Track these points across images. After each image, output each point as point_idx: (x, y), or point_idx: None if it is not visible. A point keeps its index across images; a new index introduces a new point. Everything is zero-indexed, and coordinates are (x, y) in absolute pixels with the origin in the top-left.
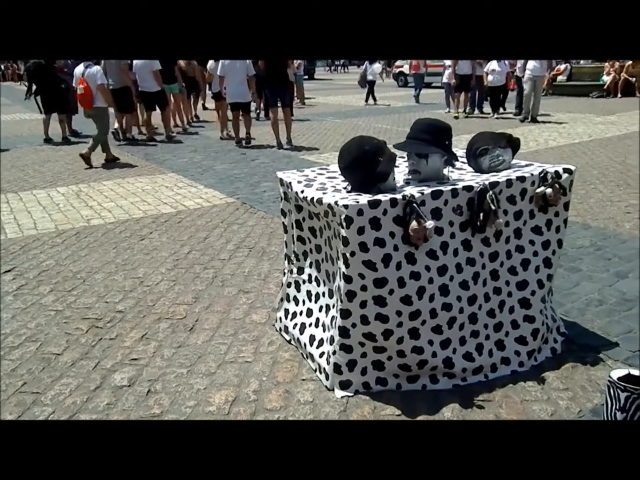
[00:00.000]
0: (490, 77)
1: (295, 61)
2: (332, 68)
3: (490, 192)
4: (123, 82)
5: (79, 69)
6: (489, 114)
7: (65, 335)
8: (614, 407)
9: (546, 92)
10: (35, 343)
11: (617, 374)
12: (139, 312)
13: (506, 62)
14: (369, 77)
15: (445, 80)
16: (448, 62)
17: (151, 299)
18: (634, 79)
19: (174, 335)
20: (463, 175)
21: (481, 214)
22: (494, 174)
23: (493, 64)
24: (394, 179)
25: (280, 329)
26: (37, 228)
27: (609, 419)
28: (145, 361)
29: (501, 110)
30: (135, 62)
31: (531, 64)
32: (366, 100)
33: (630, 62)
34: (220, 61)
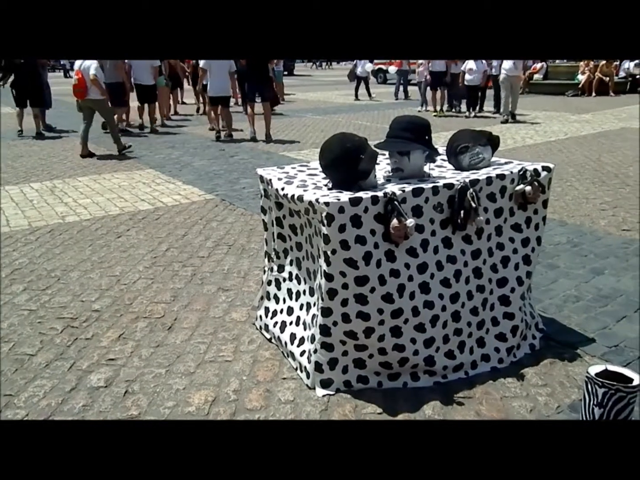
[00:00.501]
0: (467, 76)
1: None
2: (317, 64)
3: (471, 190)
4: (117, 77)
5: (78, 61)
6: (466, 112)
7: (40, 336)
8: (591, 402)
9: (523, 90)
10: (8, 344)
11: (594, 369)
12: (115, 311)
13: (483, 61)
14: (359, 73)
15: (418, 77)
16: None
17: (128, 298)
18: (607, 78)
19: (152, 334)
20: (443, 172)
21: (462, 212)
22: (474, 171)
23: (470, 63)
24: (375, 176)
25: (260, 328)
26: (10, 225)
27: (587, 414)
28: (123, 361)
29: (479, 109)
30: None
31: (507, 64)
32: (355, 96)
33: (604, 61)
34: None
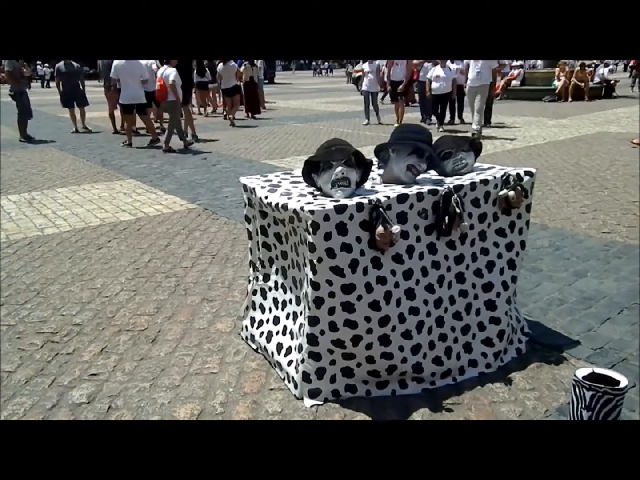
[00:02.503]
0: (434, 85)
1: (258, 63)
2: (317, 71)
3: (455, 196)
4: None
5: (160, 70)
6: (435, 124)
7: (19, 352)
8: (579, 405)
9: (501, 96)
10: None
11: (581, 372)
12: (97, 324)
13: (452, 67)
14: (366, 87)
15: (364, 87)
16: (367, 68)
17: (110, 311)
18: (582, 84)
19: (135, 347)
20: (427, 178)
21: (446, 217)
22: (458, 177)
23: (437, 70)
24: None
25: (246, 338)
26: None
27: (575, 417)
28: (105, 376)
29: (450, 120)
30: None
31: (471, 74)
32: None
33: (578, 67)
34: (114, 64)
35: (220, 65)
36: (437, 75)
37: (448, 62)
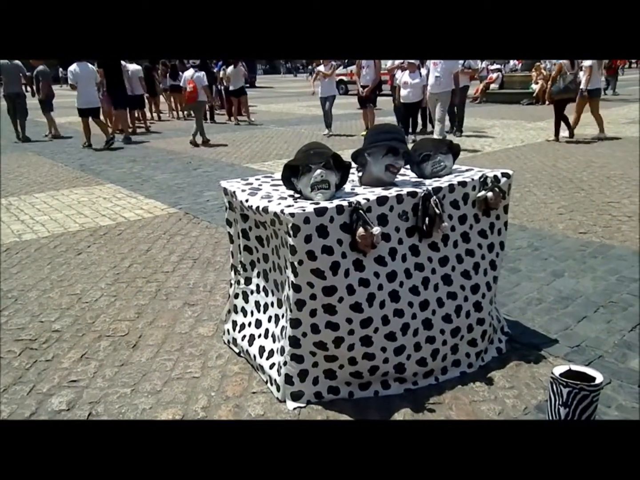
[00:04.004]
0: (403, 92)
1: (240, 66)
2: (295, 74)
3: (434, 197)
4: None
5: (189, 73)
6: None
7: None
8: (557, 402)
9: (480, 99)
10: None
11: (558, 370)
12: (77, 330)
13: (422, 73)
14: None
15: (321, 95)
16: (321, 67)
17: (90, 316)
18: None
19: (116, 353)
20: (406, 181)
21: (426, 219)
22: (437, 179)
23: (405, 76)
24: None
25: (228, 342)
26: None
27: (553, 414)
28: (85, 382)
29: (421, 129)
30: (131, 70)
31: (431, 79)
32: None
33: (555, 71)
34: (69, 70)
35: (231, 68)
36: (405, 81)
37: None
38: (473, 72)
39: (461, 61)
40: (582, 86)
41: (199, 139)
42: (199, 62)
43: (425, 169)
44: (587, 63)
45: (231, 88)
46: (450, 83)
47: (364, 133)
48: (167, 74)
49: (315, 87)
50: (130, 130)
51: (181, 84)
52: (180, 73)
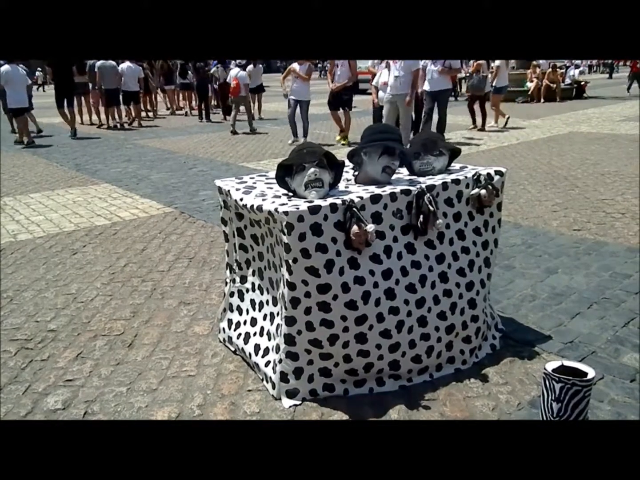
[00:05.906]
0: (380, 93)
1: (260, 65)
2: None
3: (428, 195)
4: (115, 84)
5: (234, 71)
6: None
7: None
8: (549, 398)
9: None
10: None
11: (551, 365)
12: (72, 330)
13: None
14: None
15: (292, 97)
16: (296, 65)
17: (86, 316)
18: (554, 85)
19: (112, 352)
20: (400, 179)
21: (421, 216)
22: (430, 177)
23: (384, 76)
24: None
25: (224, 340)
26: None
27: (546, 409)
28: (81, 382)
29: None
30: (123, 67)
31: (390, 79)
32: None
33: (550, 69)
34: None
35: (250, 66)
36: (383, 82)
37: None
38: (455, 71)
39: (422, 61)
40: (492, 83)
41: (240, 128)
42: (245, 62)
43: (414, 165)
44: (496, 63)
45: (251, 86)
46: (408, 86)
47: (339, 138)
48: (163, 75)
49: (285, 89)
50: (119, 123)
51: (227, 80)
52: (190, 72)
